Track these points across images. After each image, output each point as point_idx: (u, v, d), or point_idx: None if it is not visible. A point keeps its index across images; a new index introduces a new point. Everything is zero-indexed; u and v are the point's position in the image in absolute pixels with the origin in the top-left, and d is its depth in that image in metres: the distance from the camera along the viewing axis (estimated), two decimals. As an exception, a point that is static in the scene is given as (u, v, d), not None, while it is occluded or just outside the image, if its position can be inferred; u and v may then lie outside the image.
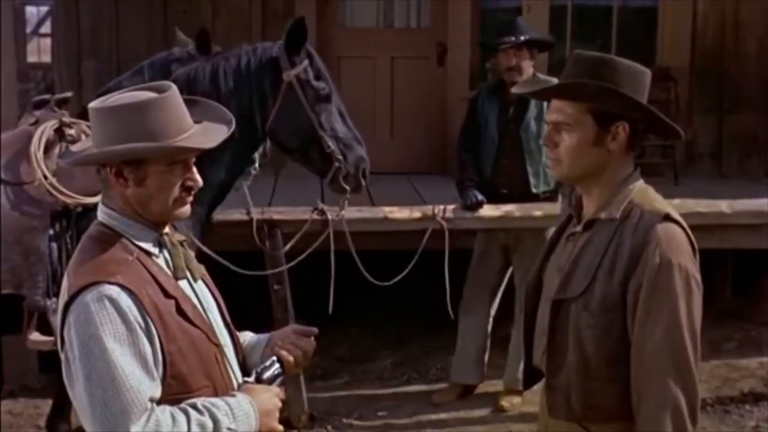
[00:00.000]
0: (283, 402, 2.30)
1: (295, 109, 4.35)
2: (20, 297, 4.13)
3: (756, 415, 5.31)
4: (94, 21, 7.47)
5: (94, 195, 4.10)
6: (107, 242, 2.21)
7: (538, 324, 2.53)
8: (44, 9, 11.91)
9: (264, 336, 2.50)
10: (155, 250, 2.26)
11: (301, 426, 5.28)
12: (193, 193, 2.29)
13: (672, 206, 2.38)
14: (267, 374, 2.31)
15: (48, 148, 4.19)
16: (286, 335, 2.46)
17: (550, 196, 5.32)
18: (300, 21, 4.38)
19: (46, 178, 4.09)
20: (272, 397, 2.26)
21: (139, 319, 2.11)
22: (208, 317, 2.30)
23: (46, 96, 4.40)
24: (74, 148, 2.56)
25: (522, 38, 5.21)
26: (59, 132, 4.23)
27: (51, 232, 4.12)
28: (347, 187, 4.48)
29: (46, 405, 5.68)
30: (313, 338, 2.46)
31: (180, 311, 2.20)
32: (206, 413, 2.12)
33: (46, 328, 4.17)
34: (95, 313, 2.08)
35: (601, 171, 2.38)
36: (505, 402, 5.51)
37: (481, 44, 5.97)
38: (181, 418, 2.09)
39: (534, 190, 5.27)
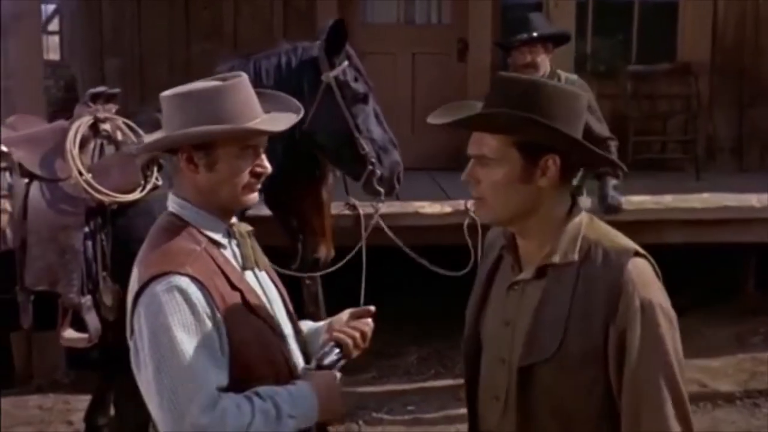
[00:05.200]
0: None
1: (332, 110, 4.37)
2: (55, 294, 4.15)
3: (784, 406, 5.33)
4: (115, 18, 7.51)
5: (129, 193, 4.14)
6: (176, 233, 2.25)
7: (487, 387, 2.22)
8: (51, 7, 11.92)
9: (323, 323, 2.52)
10: (224, 241, 2.30)
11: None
12: (261, 180, 2.33)
13: (627, 237, 2.14)
14: (327, 360, 2.33)
15: (83, 144, 4.19)
16: (343, 319, 2.47)
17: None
18: (340, 22, 4.40)
19: (81, 174, 4.10)
20: (332, 381, 2.28)
21: (207, 310, 2.15)
22: (272, 308, 2.34)
23: (101, 89, 4.39)
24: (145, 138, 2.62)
25: (534, 34, 5.22)
26: (94, 128, 4.24)
27: (86, 229, 4.13)
28: (381, 190, 4.47)
29: (76, 401, 5.75)
30: (370, 319, 2.45)
31: (245, 302, 2.23)
32: (269, 401, 2.16)
33: (79, 326, 4.18)
34: (165, 303, 2.13)
35: (534, 210, 2.09)
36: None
37: (497, 42, 5.96)
38: (246, 405, 2.13)
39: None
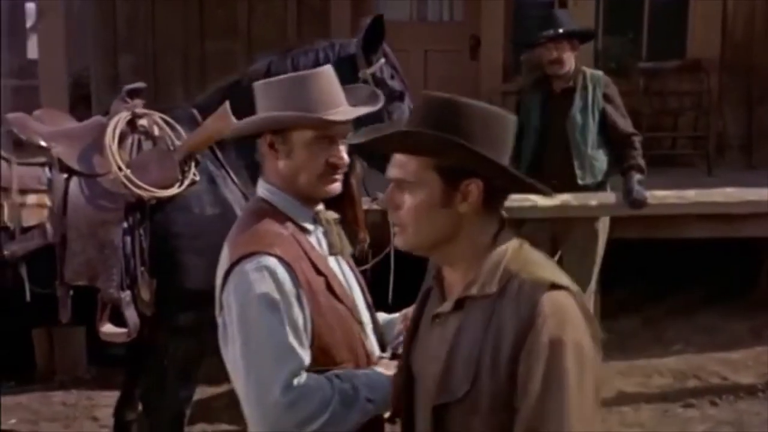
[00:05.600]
0: None
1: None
2: (94, 289, 4.17)
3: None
4: (129, 16, 7.51)
5: (168, 188, 4.15)
6: (265, 217, 2.31)
7: (417, 424, 2.07)
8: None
9: (398, 314, 2.56)
10: (310, 227, 2.36)
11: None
12: (339, 171, 2.38)
13: (553, 267, 1.97)
14: (401, 349, 2.32)
15: (121, 140, 4.20)
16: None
17: (596, 189, 5.38)
18: (378, 19, 4.40)
19: (120, 170, 4.12)
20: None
21: (293, 291, 2.20)
22: (352, 295, 2.39)
23: (140, 84, 4.41)
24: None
25: (560, 31, 5.27)
26: (131, 124, 4.25)
27: (125, 225, 4.15)
28: None
29: (99, 396, 5.77)
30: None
31: (329, 288, 2.29)
32: (348, 383, 2.22)
33: (118, 320, 4.19)
34: (254, 282, 2.19)
35: (454, 237, 1.96)
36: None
37: (516, 42, 5.98)
38: (326, 385, 2.19)
39: (580, 182, 5.32)
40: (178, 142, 4.27)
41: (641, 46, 7.95)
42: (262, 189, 2.39)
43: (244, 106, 4.28)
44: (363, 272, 4.66)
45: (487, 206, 1.96)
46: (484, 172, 1.93)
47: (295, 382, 2.15)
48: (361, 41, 4.39)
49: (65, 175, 4.15)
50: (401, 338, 2.36)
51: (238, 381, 2.19)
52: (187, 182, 4.20)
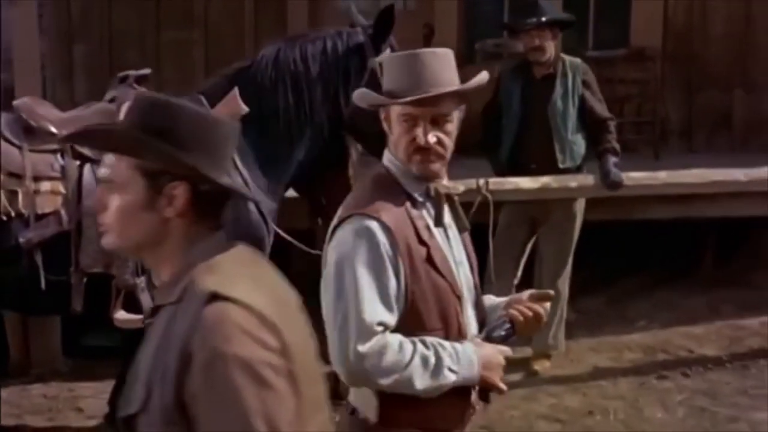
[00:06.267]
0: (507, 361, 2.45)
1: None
2: (108, 276, 4.16)
3: (775, 367, 5.69)
4: (84, 4, 7.41)
5: (178, 172, 4.18)
6: (381, 183, 2.45)
7: None
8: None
9: (504, 299, 2.63)
10: (420, 198, 2.44)
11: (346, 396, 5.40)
12: (426, 153, 2.40)
13: (238, 278, 1.81)
14: (495, 333, 2.47)
15: (131, 126, 4.22)
16: (522, 298, 2.56)
17: (575, 172, 5.59)
18: (389, 9, 4.49)
19: (134, 155, 4.12)
20: (497, 354, 2.42)
21: (391, 255, 2.33)
22: (457, 270, 2.47)
23: (146, 71, 4.41)
24: None
25: (543, 19, 5.45)
26: (137, 110, 4.26)
27: (139, 209, 4.16)
28: None
29: (80, 388, 5.71)
30: (548, 303, 2.56)
31: (429, 258, 2.39)
32: (432, 349, 2.33)
33: (131, 307, 4.20)
34: (353, 241, 2.33)
35: (160, 241, 1.87)
36: (537, 366, 5.76)
37: (505, 26, 6.12)
38: (408, 347, 2.32)
39: (561, 165, 5.51)
40: (187, 128, 4.28)
41: (587, 35, 8.21)
42: (385, 156, 2.50)
43: (250, 92, 4.36)
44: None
45: (198, 212, 1.87)
46: (190, 177, 1.84)
47: (372, 337, 2.28)
48: (372, 30, 4.46)
49: (78, 162, 4.14)
50: (498, 323, 2.49)
51: (328, 328, 2.34)
52: (196, 167, 4.23)
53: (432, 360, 2.32)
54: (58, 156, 4.13)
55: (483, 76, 2.56)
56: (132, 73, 4.41)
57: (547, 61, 5.48)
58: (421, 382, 2.32)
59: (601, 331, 6.37)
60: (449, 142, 2.43)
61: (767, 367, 5.71)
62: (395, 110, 2.43)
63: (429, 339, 2.35)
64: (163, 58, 7.24)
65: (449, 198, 2.48)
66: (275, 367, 1.73)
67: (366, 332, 2.28)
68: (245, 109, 4.28)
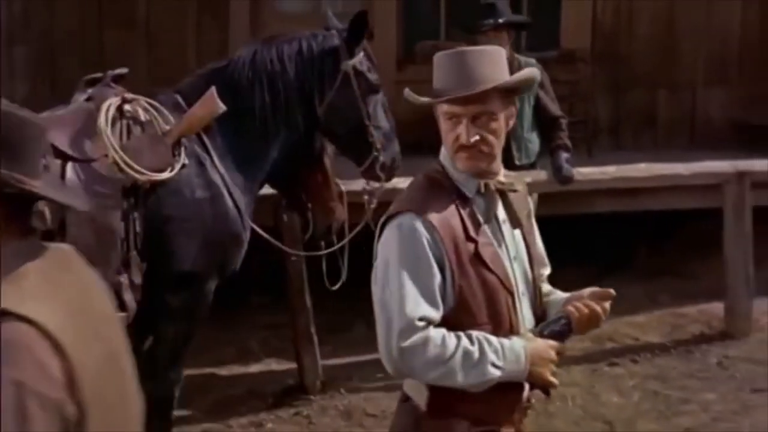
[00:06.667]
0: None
1: (348, 97, 4.58)
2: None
3: (715, 352, 5.99)
4: (24, 6, 7.31)
5: (162, 172, 4.22)
6: (433, 180, 2.50)
7: None
8: None
9: (567, 295, 2.63)
10: (471, 195, 2.48)
11: (316, 391, 5.52)
12: (468, 150, 2.43)
13: (33, 291, 1.70)
14: (550, 329, 2.47)
15: (111, 125, 4.24)
16: (582, 295, 2.54)
17: (532, 166, 5.80)
18: (363, 14, 4.63)
19: (118, 154, 4.14)
20: (548, 349, 2.43)
21: (435, 251, 2.39)
22: (511, 265, 2.49)
23: (123, 70, 4.42)
24: None
25: (500, 21, 5.65)
26: (119, 109, 4.29)
27: (121, 209, 4.18)
28: (381, 176, 4.73)
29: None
30: (608, 303, 2.53)
31: (477, 254, 2.43)
32: (476, 344, 2.37)
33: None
34: (398, 237, 2.42)
35: None
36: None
37: (463, 27, 6.29)
38: (451, 341, 2.36)
39: (517, 163, 5.70)
40: (166, 127, 4.33)
41: (520, 37, 8.43)
42: (441, 154, 2.54)
43: (226, 91, 4.42)
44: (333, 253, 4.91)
45: (1, 216, 1.75)
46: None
47: (412, 332, 2.33)
48: (346, 35, 4.56)
49: (59, 161, 4.14)
50: (554, 319, 2.49)
51: (377, 320, 2.42)
52: (178, 166, 4.28)
53: (476, 355, 2.35)
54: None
55: (526, 73, 2.60)
56: (109, 72, 4.43)
57: (504, 61, 5.66)
58: (463, 376, 2.36)
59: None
60: (493, 140, 2.45)
61: (709, 352, 6.01)
62: (440, 108, 2.47)
63: (475, 333, 2.39)
64: (106, 59, 7.19)
65: (503, 194, 2.51)
66: (44, 400, 1.62)
67: (408, 327, 2.33)
68: (222, 107, 4.34)
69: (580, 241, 7.26)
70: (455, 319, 2.40)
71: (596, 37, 8.44)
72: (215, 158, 4.40)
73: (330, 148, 4.89)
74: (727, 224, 6.25)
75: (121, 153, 4.14)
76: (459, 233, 2.43)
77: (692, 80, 8.61)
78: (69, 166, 4.13)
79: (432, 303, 2.38)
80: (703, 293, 6.70)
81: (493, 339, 2.39)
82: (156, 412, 4.49)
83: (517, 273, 2.51)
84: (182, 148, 4.31)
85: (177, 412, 4.64)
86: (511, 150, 5.66)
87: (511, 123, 2.53)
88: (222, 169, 4.41)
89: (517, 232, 2.55)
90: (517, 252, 2.53)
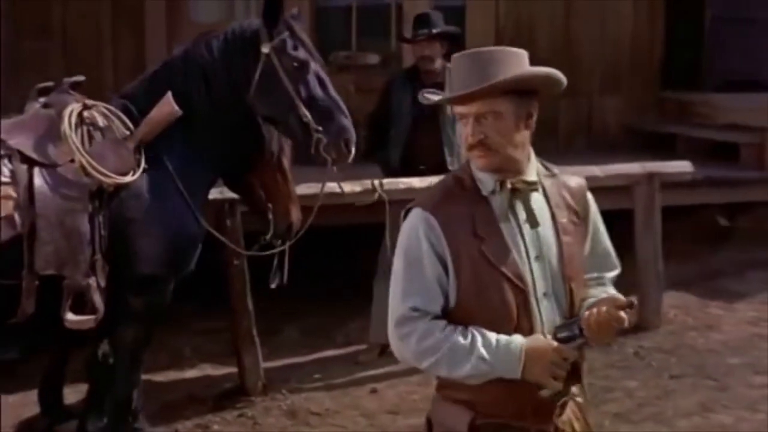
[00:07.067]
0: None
1: (273, 79, 4.50)
2: (61, 277, 4.20)
3: (631, 343, 6.33)
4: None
5: (126, 175, 4.30)
6: (457, 178, 2.58)
7: None
8: None
9: (597, 298, 2.57)
10: (487, 193, 2.52)
11: (257, 392, 5.63)
12: (479, 149, 2.48)
13: None
14: (561, 333, 2.43)
15: (74, 131, 4.29)
16: (602, 302, 2.48)
17: (459, 171, 6.05)
18: None
19: (84, 158, 4.20)
20: (549, 351, 2.40)
21: (437, 246, 2.47)
22: (528, 263, 2.49)
23: (80, 77, 4.47)
24: None
25: (434, 31, 5.90)
26: (80, 115, 4.34)
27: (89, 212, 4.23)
28: (328, 158, 4.58)
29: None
30: (624, 312, 2.43)
31: (481, 252, 2.46)
32: (469, 338, 2.41)
33: (80, 308, 4.25)
34: (406, 231, 2.53)
35: None
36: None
37: (399, 36, 6.49)
38: (443, 333, 2.42)
39: (450, 167, 5.94)
40: (126, 132, 4.41)
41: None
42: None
43: (165, 92, 4.47)
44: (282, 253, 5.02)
45: None
46: None
47: (404, 322, 2.44)
48: (262, 18, 4.54)
49: (26, 166, 4.17)
50: (569, 323, 2.45)
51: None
52: (140, 170, 4.36)
53: (465, 349, 2.39)
54: (6, 161, 4.14)
55: (525, 72, 2.56)
56: (65, 80, 4.48)
57: (436, 69, 5.93)
58: (450, 368, 2.41)
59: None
60: (498, 139, 2.48)
61: (625, 343, 6.33)
62: (455, 109, 2.57)
63: (472, 328, 2.42)
64: (23, 69, 7.12)
65: (522, 192, 2.51)
66: None
67: (402, 317, 2.45)
68: (179, 111, 4.42)
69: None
70: (460, 314, 2.47)
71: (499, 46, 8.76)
72: (167, 160, 4.45)
73: (287, 148, 4.95)
74: (638, 223, 6.62)
75: (88, 157, 4.21)
76: (466, 230, 2.47)
77: (589, 88, 9.06)
78: (36, 171, 4.18)
79: (427, 295, 2.46)
80: (618, 289, 7.03)
81: (490, 335, 2.42)
82: (116, 415, 4.59)
83: (536, 273, 2.50)
84: (142, 152, 4.39)
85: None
86: (443, 154, 5.92)
87: (531, 123, 2.58)
88: (175, 171, 4.46)
89: (546, 231, 2.54)
90: (541, 252, 2.52)
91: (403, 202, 5.67)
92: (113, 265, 4.29)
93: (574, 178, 2.69)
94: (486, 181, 2.53)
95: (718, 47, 9.56)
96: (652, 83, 9.17)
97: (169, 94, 4.44)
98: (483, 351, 2.40)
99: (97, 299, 4.21)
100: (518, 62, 2.58)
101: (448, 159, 5.94)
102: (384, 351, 6.25)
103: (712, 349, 6.26)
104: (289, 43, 4.55)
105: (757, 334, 6.49)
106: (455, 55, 2.58)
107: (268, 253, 4.98)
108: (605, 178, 6.42)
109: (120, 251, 4.33)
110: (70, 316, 4.22)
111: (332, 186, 5.22)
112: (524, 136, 2.56)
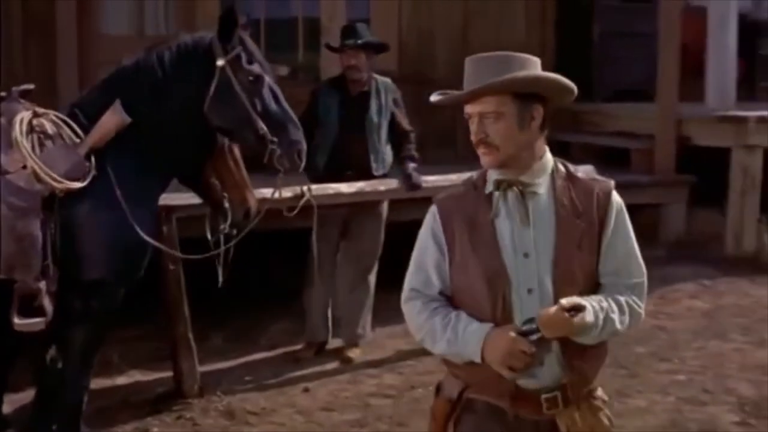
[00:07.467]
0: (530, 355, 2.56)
1: (228, 92, 4.62)
2: (10, 281, 4.26)
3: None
4: None
5: (77, 181, 4.38)
6: (478, 176, 2.77)
7: None
8: None
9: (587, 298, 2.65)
10: (488, 189, 2.69)
11: (194, 395, 5.73)
12: (483, 149, 2.66)
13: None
14: (524, 327, 2.57)
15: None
16: (559, 302, 2.57)
17: (385, 176, 6.34)
18: (230, 10, 4.67)
19: (37, 164, 4.27)
20: (508, 342, 2.54)
21: (439, 236, 2.72)
22: (513, 257, 2.63)
23: (29, 86, 4.53)
24: None
25: (359, 41, 6.15)
26: (29, 123, 4.41)
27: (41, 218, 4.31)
28: (281, 167, 4.77)
29: None
30: (569, 314, 2.53)
31: (474, 245, 2.66)
32: (446, 320, 2.65)
33: (29, 311, 4.31)
34: (424, 220, 2.80)
35: None
36: (350, 353, 6.38)
37: (327, 45, 6.65)
38: (428, 314, 2.69)
39: (375, 173, 6.23)
40: (76, 140, 4.49)
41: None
42: None
43: (115, 101, 4.58)
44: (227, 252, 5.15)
45: None
46: None
47: (411, 301, 2.74)
48: (217, 33, 4.66)
49: (-24, 174, 4.22)
50: (533, 317, 2.57)
51: None
52: (90, 176, 4.45)
53: (440, 329, 2.64)
54: (-45, 170, 4.18)
55: (522, 76, 2.63)
56: (14, 88, 4.53)
57: (361, 78, 6.17)
58: (431, 344, 2.69)
59: (391, 321, 7.08)
60: (497, 139, 2.62)
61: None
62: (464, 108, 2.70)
63: (455, 312, 2.65)
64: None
65: (521, 192, 2.64)
66: None
67: (405, 297, 2.76)
68: (128, 119, 4.53)
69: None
70: (454, 298, 2.71)
71: (402, 60, 9.09)
72: (112, 168, 4.52)
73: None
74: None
75: (41, 163, 4.28)
76: (463, 225, 2.68)
77: (487, 100, 9.44)
78: (-12, 176, 4.23)
79: (426, 279, 2.73)
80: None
81: (465, 320, 2.63)
82: (66, 419, 4.64)
83: (522, 269, 2.63)
84: (92, 159, 4.48)
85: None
86: (369, 160, 6.17)
87: (534, 125, 2.65)
88: (119, 178, 4.53)
89: (543, 230, 2.65)
90: (533, 250, 2.64)
91: (331, 208, 6.08)
92: (62, 269, 4.38)
93: (600, 182, 2.76)
94: (490, 181, 2.70)
95: (606, 60, 10.11)
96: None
97: (118, 102, 4.54)
98: (451, 334, 2.64)
99: (47, 302, 4.29)
100: (526, 67, 2.67)
101: (374, 165, 6.19)
102: (320, 349, 6.47)
103: (620, 341, 6.65)
104: (244, 57, 4.67)
105: (657, 325, 6.92)
106: (468, 58, 2.71)
107: (204, 256, 5.09)
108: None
109: (70, 256, 4.41)
110: (19, 320, 4.29)
111: (265, 192, 5.36)
112: (528, 137, 2.66)
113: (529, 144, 2.67)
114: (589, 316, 2.57)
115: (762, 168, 8.44)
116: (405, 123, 6.37)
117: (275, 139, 4.71)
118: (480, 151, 2.67)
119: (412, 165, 6.33)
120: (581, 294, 2.61)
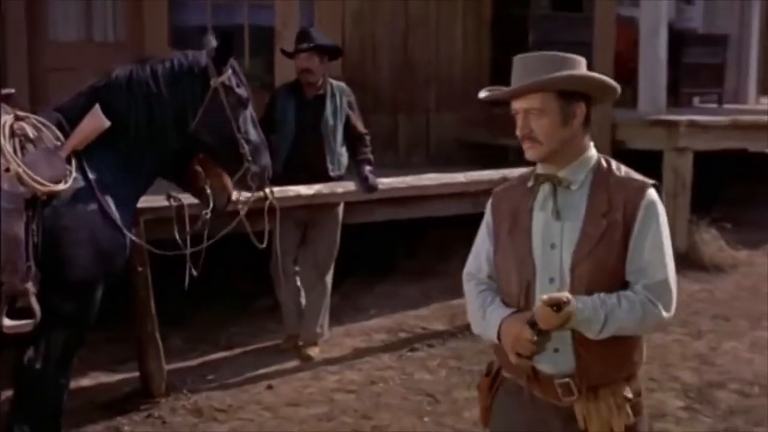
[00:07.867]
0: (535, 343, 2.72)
1: (218, 111, 4.94)
2: (-5, 283, 4.34)
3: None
4: None
5: (59, 184, 4.49)
6: (526, 172, 2.96)
7: None
8: None
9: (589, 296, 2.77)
10: (530, 182, 2.87)
11: (161, 394, 5.85)
12: (528, 143, 2.80)
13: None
14: (533, 317, 2.72)
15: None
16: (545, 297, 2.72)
17: (341, 178, 6.52)
18: (229, 37, 5.05)
19: (20, 167, 4.37)
20: (518, 328, 2.73)
21: (490, 225, 2.97)
22: (542, 248, 2.80)
23: (10, 90, 4.60)
24: None
25: (312, 45, 6.34)
26: (11, 127, 4.49)
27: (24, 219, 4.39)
28: (252, 185, 5.20)
29: None
30: (551, 307, 2.65)
31: (508, 234, 2.88)
32: (481, 303, 2.90)
33: (16, 313, 4.40)
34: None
35: None
36: (309, 352, 6.56)
37: (282, 51, 6.82)
38: (476, 297, 2.93)
39: (332, 174, 6.42)
40: (57, 143, 4.60)
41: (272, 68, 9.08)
42: None
43: (105, 108, 4.73)
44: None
45: None
46: None
47: (467, 284, 2.99)
48: (213, 54, 4.98)
49: (-43, 177, 4.29)
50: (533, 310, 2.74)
51: None
52: (71, 179, 4.56)
53: (476, 311, 2.90)
54: (-62, 172, 4.25)
55: (561, 76, 2.75)
56: (11, 92, 4.62)
57: (316, 82, 6.36)
58: (472, 323, 2.97)
59: (345, 320, 7.31)
60: (539, 134, 2.76)
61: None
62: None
63: (490, 296, 2.90)
64: None
65: (556, 186, 2.80)
66: None
67: (464, 279, 3.02)
68: (107, 122, 4.67)
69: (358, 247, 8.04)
70: (497, 284, 2.94)
71: (345, 65, 9.28)
72: (89, 173, 4.63)
73: None
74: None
75: (24, 166, 4.38)
76: (509, 214, 2.89)
77: (426, 105, 9.74)
78: (-28, 179, 4.30)
79: (477, 263, 2.98)
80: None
81: (495, 304, 2.87)
82: (46, 419, 4.72)
83: (546, 260, 2.79)
84: (73, 162, 4.59)
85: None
86: (325, 162, 6.36)
87: (576, 122, 2.80)
88: (98, 181, 4.66)
89: (573, 223, 2.78)
90: (559, 242, 2.79)
91: (291, 210, 6.25)
92: (44, 271, 4.47)
93: (635, 181, 2.83)
94: (534, 173, 2.89)
95: (540, 67, 10.38)
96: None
97: (97, 106, 4.67)
98: (483, 315, 2.88)
99: (35, 303, 4.38)
100: (571, 66, 2.81)
101: (330, 167, 6.39)
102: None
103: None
104: (234, 80, 5.03)
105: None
106: (517, 56, 2.85)
107: (189, 251, 5.24)
108: (468, 183, 7.05)
109: (51, 258, 4.50)
110: (7, 322, 4.36)
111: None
112: (571, 133, 2.80)
113: (572, 140, 2.80)
114: (581, 311, 2.67)
115: (692, 170, 8.87)
116: (360, 125, 6.58)
117: (251, 159, 5.10)
118: (525, 145, 2.82)
119: (368, 168, 6.53)
120: (608, 290, 2.72)
